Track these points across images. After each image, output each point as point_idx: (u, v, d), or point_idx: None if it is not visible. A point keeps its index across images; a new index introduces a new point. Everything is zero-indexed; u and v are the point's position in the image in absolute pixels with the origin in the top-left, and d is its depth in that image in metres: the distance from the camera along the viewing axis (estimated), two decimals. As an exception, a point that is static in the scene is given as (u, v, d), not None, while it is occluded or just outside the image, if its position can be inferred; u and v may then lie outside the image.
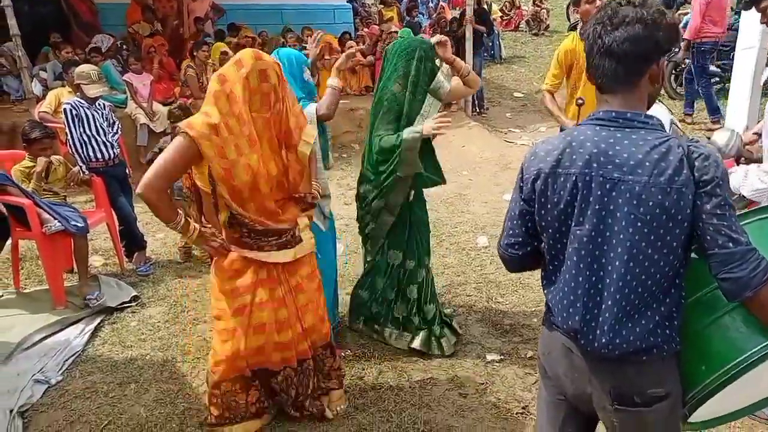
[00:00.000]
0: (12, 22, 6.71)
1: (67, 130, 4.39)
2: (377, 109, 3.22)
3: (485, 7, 10.82)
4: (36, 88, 7.43)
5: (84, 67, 4.58)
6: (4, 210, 4.10)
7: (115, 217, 4.66)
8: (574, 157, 1.49)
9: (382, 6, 12.24)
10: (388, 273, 3.42)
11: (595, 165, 1.46)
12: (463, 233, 5.20)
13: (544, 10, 15.44)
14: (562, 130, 3.94)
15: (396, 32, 9.35)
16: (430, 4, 13.66)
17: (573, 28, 3.98)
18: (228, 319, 2.56)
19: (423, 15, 12.63)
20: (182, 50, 8.93)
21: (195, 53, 8.01)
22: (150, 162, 4.56)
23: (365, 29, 10.63)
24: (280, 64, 2.46)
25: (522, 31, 15.79)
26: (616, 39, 1.45)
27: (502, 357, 3.35)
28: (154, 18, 9.46)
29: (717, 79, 8.88)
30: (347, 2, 12.35)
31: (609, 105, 1.52)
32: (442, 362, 3.30)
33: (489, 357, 3.35)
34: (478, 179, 6.84)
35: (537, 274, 4.26)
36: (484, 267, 4.52)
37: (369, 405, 2.96)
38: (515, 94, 10.72)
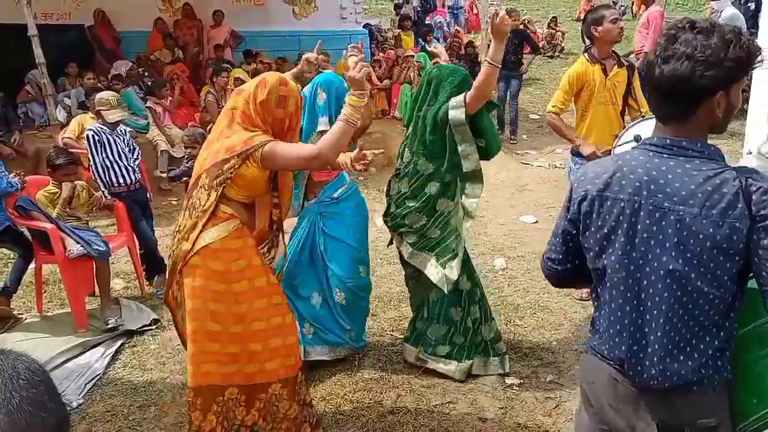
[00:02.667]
0: (38, 50, 6.91)
1: (90, 156, 4.49)
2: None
3: (521, 26, 10.50)
4: (60, 114, 7.60)
5: (104, 94, 4.69)
6: (29, 234, 4.19)
7: (136, 241, 4.73)
8: (623, 182, 1.46)
9: (400, 30, 12.36)
10: (471, 300, 3.32)
11: (645, 192, 1.43)
12: (480, 255, 5.18)
13: (559, 33, 15.50)
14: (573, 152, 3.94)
15: (411, 56, 9.45)
16: (445, 28, 13.78)
17: (587, 50, 3.95)
18: None
19: (438, 39, 12.71)
20: (202, 76, 9.12)
21: (215, 79, 8.16)
22: (174, 178, 4.63)
23: (381, 54, 10.75)
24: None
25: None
26: (663, 74, 1.38)
27: (521, 381, 3.32)
28: (175, 45, 9.67)
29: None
30: (363, 27, 12.51)
31: (663, 131, 1.47)
32: (461, 386, 3.28)
33: (508, 381, 3.31)
34: (494, 201, 6.83)
35: (555, 297, 4.22)
36: (502, 290, 4.49)
37: (388, 429, 2.94)
38: (531, 116, 10.72)
